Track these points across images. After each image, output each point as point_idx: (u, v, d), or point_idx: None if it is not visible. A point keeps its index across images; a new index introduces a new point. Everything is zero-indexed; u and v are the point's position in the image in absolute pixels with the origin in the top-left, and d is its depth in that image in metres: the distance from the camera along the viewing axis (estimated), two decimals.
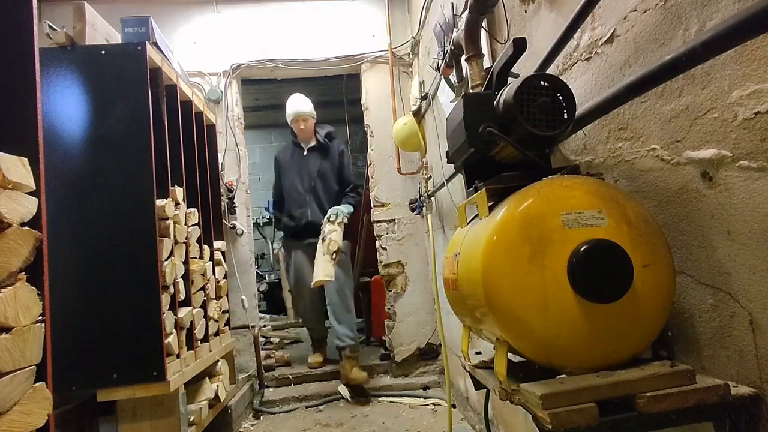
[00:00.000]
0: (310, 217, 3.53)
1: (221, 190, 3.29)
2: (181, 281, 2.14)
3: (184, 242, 2.21)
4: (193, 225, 2.40)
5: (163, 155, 2.09)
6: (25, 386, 0.88)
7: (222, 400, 2.53)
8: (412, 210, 3.48)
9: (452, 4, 2.16)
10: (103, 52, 2.00)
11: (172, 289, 2.04)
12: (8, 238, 0.86)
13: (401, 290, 3.59)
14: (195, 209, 2.46)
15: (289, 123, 3.70)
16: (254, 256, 3.84)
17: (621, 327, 0.88)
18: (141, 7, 3.37)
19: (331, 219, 3.29)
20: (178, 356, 2.03)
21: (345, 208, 3.42)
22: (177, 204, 2.16)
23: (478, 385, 1.17)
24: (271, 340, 4.38)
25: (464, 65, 1.54)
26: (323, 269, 3.06)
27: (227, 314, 2.89)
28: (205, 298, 2.48)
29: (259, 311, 4.23)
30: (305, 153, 3.70)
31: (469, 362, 1.17)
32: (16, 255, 0.88)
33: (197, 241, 2.43)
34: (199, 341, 2.33)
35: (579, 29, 1.19)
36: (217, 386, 2.50)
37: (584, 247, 0.86)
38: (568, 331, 0.87)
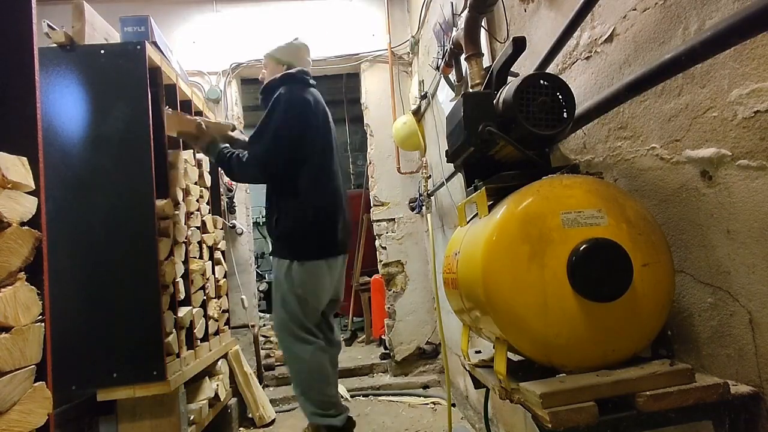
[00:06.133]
0: None
1: (221, 189, 3.28)
2: (180, 281, 2.14)
3: (183, 242, 2.21)
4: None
5: (162, 155, 2.09)
6: (25, 386, 0.88)
7: (222, 400, 2.53)
8: (412, 209, 3.48)
9: (452, 3, 2.16)
10: (102, 51, 2.00)
11: (171, 289, 2.04)
12: (8, 238, 0.86)
13: (401, 289, 3.59)
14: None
15: None
16: (254, 256, 3.84)
17: (620, 326, 0.88)
18: (140, 7, 3.37)
19: None
20: (177, 355, 2.03)
21: None
22: (176, 204, 2.16)
23: (477, 384, 1.17)
24: (271, 339, 4.38)
25: (464, 64, 1.54)
26: None
27: (227, 313, 2.89)
28: (205, 298, 2.48)
29: (259, 311, 4.23)
30: None
31: (469, 361, 1.17)
32: (15, 254, 0.88)
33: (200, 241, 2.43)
34: (198, 340, 2.33)
35: (579, 28, 1.19)
36: (217, 385, 2.50)
37: (584, 246, 0.86)
38: (568, 330, 0.87)
